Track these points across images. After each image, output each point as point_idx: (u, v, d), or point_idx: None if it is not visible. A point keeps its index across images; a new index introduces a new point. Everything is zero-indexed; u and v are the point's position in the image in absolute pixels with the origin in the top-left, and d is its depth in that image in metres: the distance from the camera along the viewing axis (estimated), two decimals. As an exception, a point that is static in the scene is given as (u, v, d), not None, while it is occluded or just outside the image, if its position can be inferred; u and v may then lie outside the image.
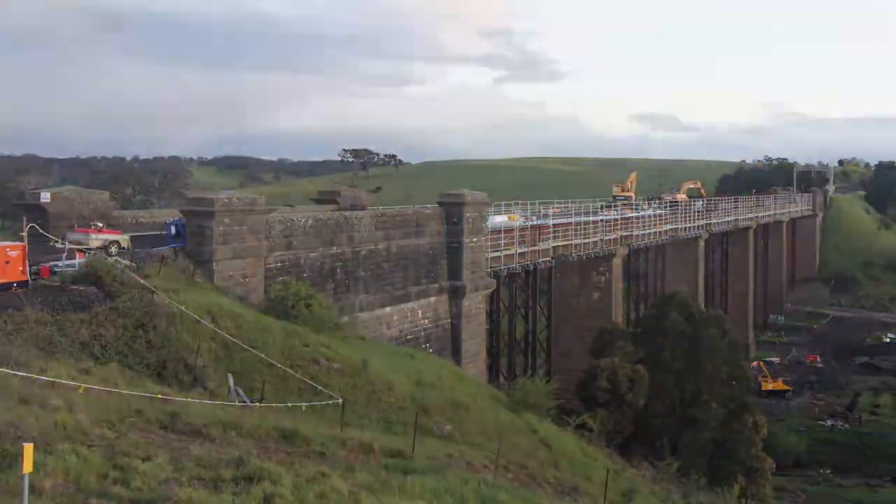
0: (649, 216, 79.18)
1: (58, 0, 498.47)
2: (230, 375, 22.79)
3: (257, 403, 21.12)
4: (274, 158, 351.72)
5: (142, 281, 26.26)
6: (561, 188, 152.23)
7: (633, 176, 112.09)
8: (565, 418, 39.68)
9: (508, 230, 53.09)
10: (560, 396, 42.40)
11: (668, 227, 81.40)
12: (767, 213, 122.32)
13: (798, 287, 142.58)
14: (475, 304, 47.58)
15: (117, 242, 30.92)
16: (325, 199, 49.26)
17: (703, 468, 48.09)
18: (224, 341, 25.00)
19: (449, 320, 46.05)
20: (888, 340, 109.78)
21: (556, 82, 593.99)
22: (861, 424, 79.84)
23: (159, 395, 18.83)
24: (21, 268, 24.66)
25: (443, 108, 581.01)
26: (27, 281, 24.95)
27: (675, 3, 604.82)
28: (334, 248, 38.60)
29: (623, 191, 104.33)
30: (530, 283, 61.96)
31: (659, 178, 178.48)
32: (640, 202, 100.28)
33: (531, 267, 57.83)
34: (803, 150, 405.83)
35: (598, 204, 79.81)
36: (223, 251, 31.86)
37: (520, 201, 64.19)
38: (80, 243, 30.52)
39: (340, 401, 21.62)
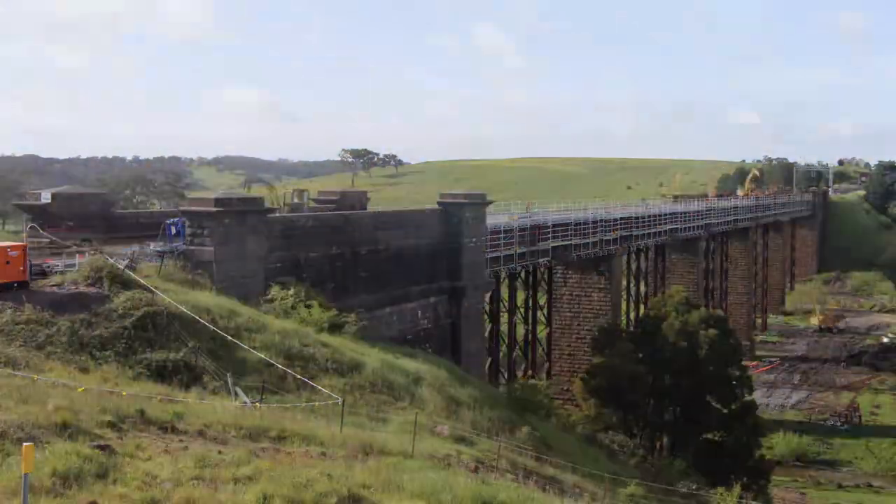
0: (655, 214, 79.22)
1: None
2: (230, 375, 22.79)
3: (257, 403, 21.13)
4: (274, 158, 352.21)
5: (142, 281, 26.27)
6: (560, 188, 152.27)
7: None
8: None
9: (508, 230, 53.06)
10: (560, 396, 42.46)
11: (668, 227, 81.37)
12: (767, 213, 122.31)
13: (798, 287, 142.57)
14: (475, 304, 47.51)
15: None
16: (324, 199, 49.19)
17: (703, 468, 48.11)
18: (224, 341, 25.00)
19: (449, 320, 45.97)
20: (888, 340, 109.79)
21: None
22: (861, 424, 79.90)
23: (159, 396, 18.86)
24: (21, 268, 24.67)
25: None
26: (27, 281, 24.96)
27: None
28: (334, 248, 38.56)
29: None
30: (530, 283, 61.94)
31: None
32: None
33: (531, 267, 57.74)
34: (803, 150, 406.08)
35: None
36: (223, 251, 31.85)
37: (519, 201, 64.22)
38: None
39: (340, 401, 21.60)
